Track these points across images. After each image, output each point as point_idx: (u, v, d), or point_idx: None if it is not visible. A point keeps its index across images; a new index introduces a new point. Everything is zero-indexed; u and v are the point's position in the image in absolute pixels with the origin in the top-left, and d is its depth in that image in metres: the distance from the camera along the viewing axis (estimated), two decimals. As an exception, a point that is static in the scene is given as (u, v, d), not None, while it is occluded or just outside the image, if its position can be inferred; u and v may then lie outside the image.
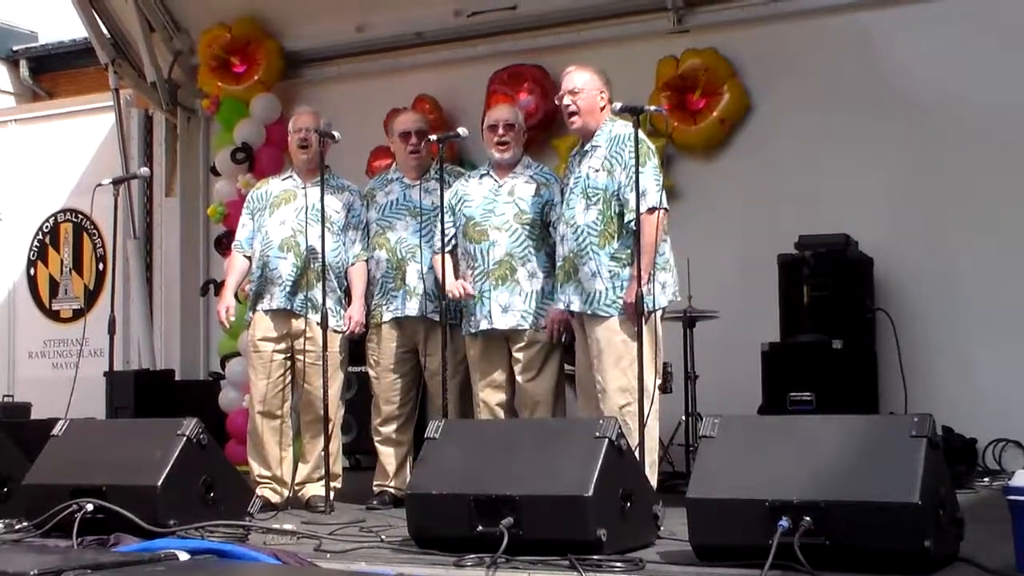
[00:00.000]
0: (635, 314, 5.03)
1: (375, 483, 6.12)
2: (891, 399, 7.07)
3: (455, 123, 6.96)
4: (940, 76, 7.39)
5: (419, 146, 6.11)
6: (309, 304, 5.94)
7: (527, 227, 5.66)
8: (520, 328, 5.64)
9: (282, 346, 6.03)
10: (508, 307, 5.63)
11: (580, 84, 5.42)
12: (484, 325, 5.69)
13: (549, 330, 5.56)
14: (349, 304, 6.10)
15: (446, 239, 5.80)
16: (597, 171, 5.30)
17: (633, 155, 5.14)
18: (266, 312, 6.03)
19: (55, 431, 5.21)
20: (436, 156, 5.90)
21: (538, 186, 5.74)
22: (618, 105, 5.14)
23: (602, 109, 5.41)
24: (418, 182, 6.09)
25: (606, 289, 5.22)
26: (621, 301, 5.18)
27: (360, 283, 6.09)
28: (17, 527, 4.91)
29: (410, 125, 6.23)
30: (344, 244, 6.11)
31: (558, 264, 5.44)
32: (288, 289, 5.98)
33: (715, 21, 8.04)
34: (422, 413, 6.41)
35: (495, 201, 5.76)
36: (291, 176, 6.23)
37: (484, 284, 5.68)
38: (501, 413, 5.71)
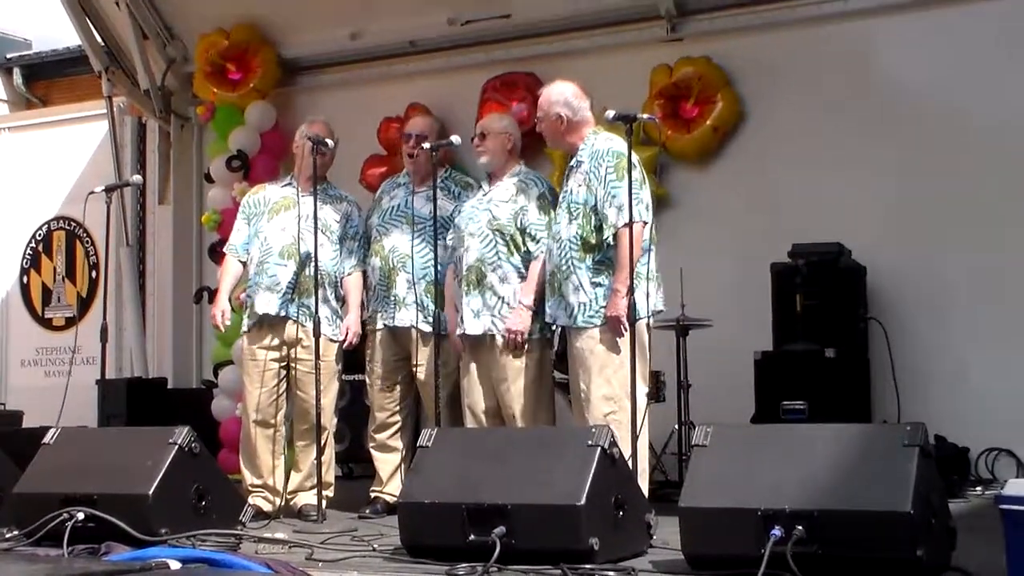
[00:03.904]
0: (618, 325, 5.06)
1: (371, 489, 6.13)
2: (884, 408, 7.07)
3: (449, 131, 6.92)
4: (933, 85, 7.39)
5: (415, 149, 6.07)
6: (305, 312, 5.93)
7: (498, 233, 5.60)
8: (490, 333, 5.58)
9: (277, 355, 6.02)
10: (479, 313, 5.59)
11: (544, 109, 5.46)
12: (459, 331, 5.68)
13: (509, 339, 5.50)
14: (346, 314, 6.08)
15: (448, 252, 5.79)
16: (580, 186, 5.32)
17: (610, 170, 5.19)
18: (262, 319, 6.00)
19: (46, 439, 5.18)
20: (434, 163, 5.87)
21: (515, 192, 5.68)
22: (611, 113, 5.14)
23: (564, 131, 5.41)
24: (421, 190, 6.03)
25: (588, 301, 5.23)
26: (603, 312, 5.18)
27: (356, 294, 6.08)
28: (8, 536, 4.87)
29: (411, 128, 6.24)
30: (341, 254, 6.10)
31: (546, 278, 5.45)
32: (286, 296, 5.97)
33: (709, 29, 8.03)
34: (418, 421, 6.40)
35: (476, 208, 5.75)
36: (290, 183, 6.22)
37: (461, 290, 5.68)
38: (484, 420, 5.64)
